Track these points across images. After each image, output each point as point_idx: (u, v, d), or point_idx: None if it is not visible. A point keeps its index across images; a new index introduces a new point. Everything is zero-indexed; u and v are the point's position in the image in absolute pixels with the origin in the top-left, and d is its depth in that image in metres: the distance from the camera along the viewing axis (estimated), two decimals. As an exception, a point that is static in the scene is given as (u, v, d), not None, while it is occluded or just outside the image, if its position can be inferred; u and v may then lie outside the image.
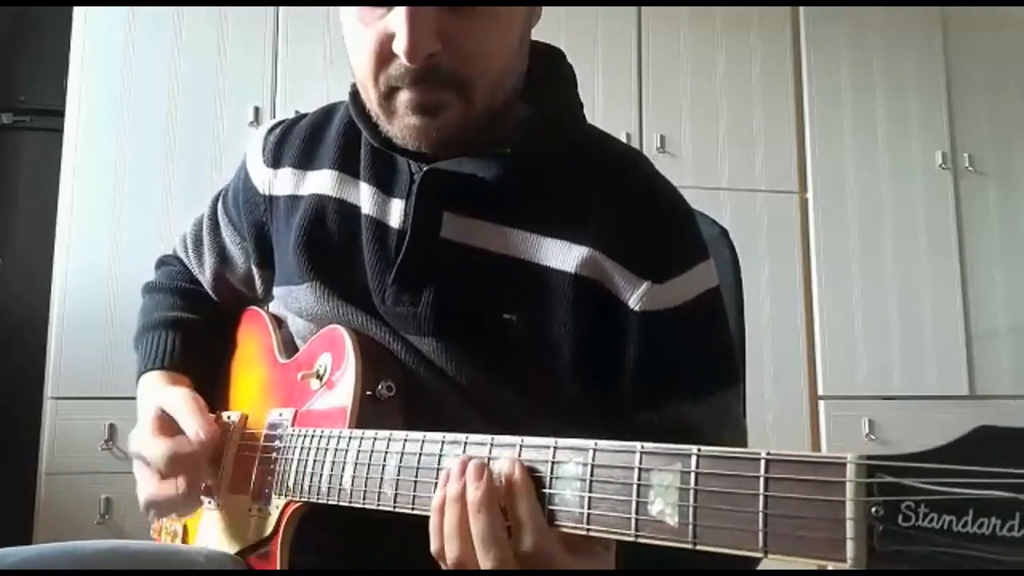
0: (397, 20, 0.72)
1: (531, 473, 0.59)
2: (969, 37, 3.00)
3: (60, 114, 2.44)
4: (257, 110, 2.50)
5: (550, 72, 0.89)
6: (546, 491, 0.59)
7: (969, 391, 2.81)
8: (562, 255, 0.80)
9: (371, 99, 0.80)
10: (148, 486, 0.89)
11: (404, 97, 0.77)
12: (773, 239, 2.76)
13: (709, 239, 0.91)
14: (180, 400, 0.90)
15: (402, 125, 0.79)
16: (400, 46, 0.72)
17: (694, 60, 2.82)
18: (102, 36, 2.47)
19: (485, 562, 0.58)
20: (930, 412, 2.75)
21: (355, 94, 0.87)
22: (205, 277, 1.08)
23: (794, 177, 2.82)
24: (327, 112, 0.97)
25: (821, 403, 2.71)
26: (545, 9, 0.86)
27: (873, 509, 0.41)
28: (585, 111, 0.92)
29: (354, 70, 0.81)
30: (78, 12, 2.46)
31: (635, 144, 2.64)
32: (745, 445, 0.87)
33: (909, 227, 2.85)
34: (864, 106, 2.89)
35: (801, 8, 2.90)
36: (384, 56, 0.75)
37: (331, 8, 2.57)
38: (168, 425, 0.89)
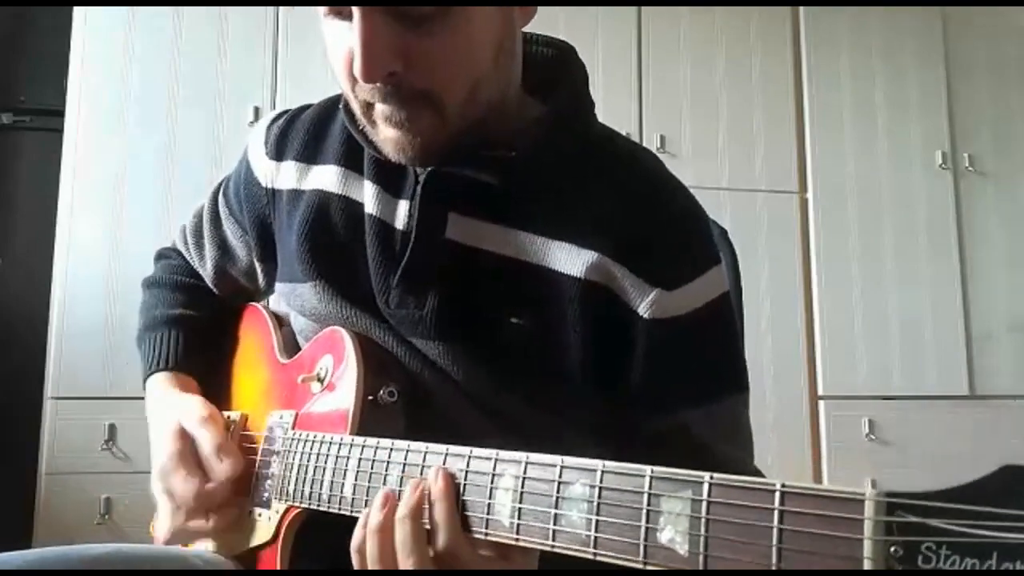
0: (354, 40, 0.71)
1: (452, 480, 0.63)
2: (969, 38, 3.00)
3: (60, 114, 2.44)
4: (257, 110, 2.50)
5: (560, 71, 0.87)
6: (464, 498, 0.62)
7: (969, 391, 2.81)
8: (570, 259, 0.79)
9: (356, 112, 0.80)
10: (171, 522, 0.87)
11: (379, 110, 0.76)
12: (773, 239, 2.76)
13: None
14: (199, 423, 0.88)
15: (382, 138, 0.78)
16: (356, 66, 0.71)
17: (694, 60, 2.81)
18: (102, 36, 2.46)
19: (406, 564, 0.62)
20: (930, 412, 2.75)
21: (347, 108, 0.85)
22: (206, 270, 1.07)
23: (794, 177, 2.82)
24: (332, 104, 0.95)
25: (821, 403, 2.71)
26: (545, 8, 0.85)
27: (892, 549, 0.39)
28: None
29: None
30: (78, 12, 2.46)
31: (635, 144, 2.64)
32: (750, 452, 0.87)
33: (909, 227, 2.85)
34: (864, 105, 2.89)
35: (801, 8, 2.90)
36: (352, 73, 0.73)
37: (331, 8, 2.57)
38: (192, 453, 0.88)
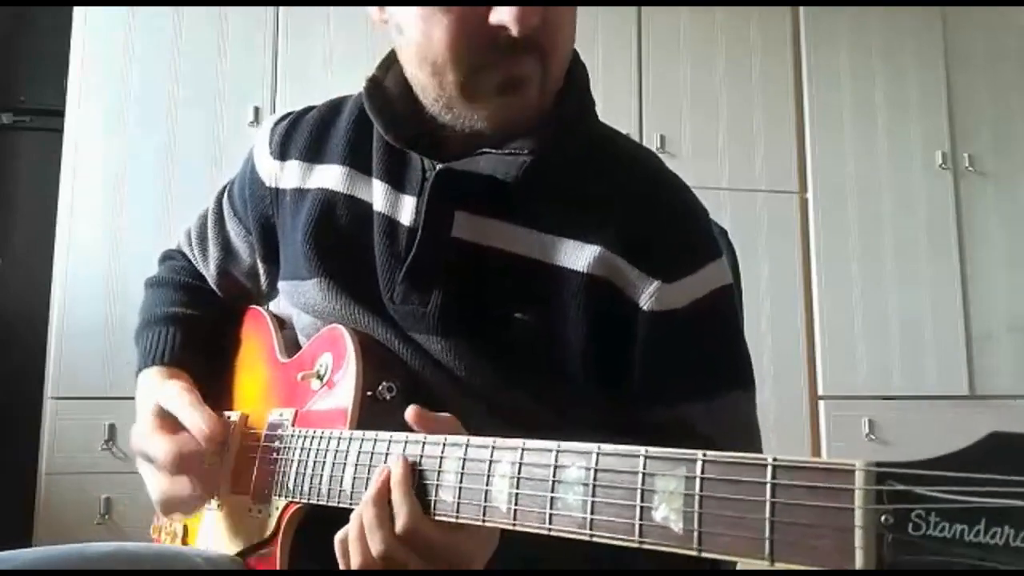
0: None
1: (414, 467, 0.66)
2: (969, 38, 3.01)
3: (60, 114, 2.44)
4: (257, 110, 2.50)
5: (568, 72, 0.87)
6: (427, 483, 0.65)
7: (969, 391, 2.81)
8: (574, 255, 0.80)
9: (447, 83, 0.78)
10: (156, 487, 0.88)
11: (493, 75, 0.76)
12: (773, 239, 2.76)
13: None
14: (176, 394, 0.89)
15: (488, 105, 0.78)
16: (510, 14, 0.71)
17: (694, 60, 2.82)
18: (102, 36, 2.47)
19: (372, 543, 0.66)
20: (930, 412, 2.75)
21: (371, 89, 0.86)
22: (209, 271, 1.07)
23: (794, 177, 2.82)
24: (335, 105, 0.96)
25: (821, 403, 2.71)
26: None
27: (883, 518, 0.40)
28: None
29: (425, 57, 0.77)
30: (78, 12, 2.46)
31: (635, 144, 2.64)
32: (758, 449, 0.87)
33: (909, 227, 2.85)
34: (864, 105, 2.89)
35: (801, 8, 2.90)
36: (473, 31, 0.73)
37: (331, 8, 2.58)
38: (169, 422, 0.88)
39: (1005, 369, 2.85)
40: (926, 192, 2.89)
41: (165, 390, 0.91)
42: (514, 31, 0.72)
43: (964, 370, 2.82)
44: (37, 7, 2.65)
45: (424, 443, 0.67)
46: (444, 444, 0.66)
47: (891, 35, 2.95)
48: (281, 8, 2.57)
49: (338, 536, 0.69)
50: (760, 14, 2.88)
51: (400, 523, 0.65)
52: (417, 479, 0.66)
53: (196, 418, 0.86)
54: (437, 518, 0.64)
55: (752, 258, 2.66)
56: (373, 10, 0.83)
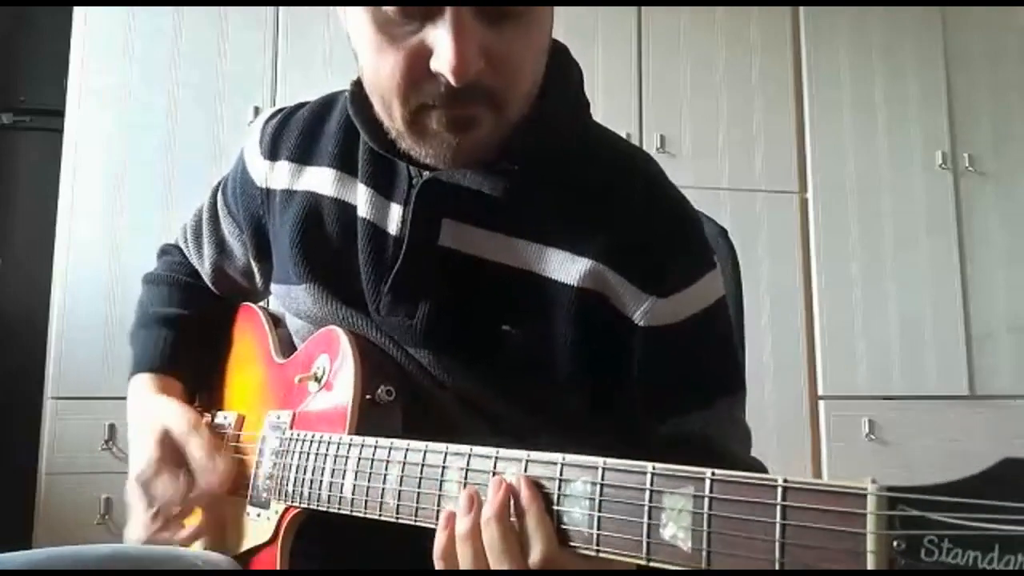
0: (439, 37, 0.67)
1: (539, 488, 0.58)
2: (969, 38, 3.00)
3: (60, 114, 2.44)
4: (257, 110, 2.50)
5: (558, 75, 0.84)
6: (555, 508, 0.57)
7: (969, 391, 2.81)
8: (565, 267, 0.78)
9: (395, 117, 0.75)
10: (144, 526, 0.87)
11: (437, 115, 0.72)
12: (773, 239, 2.76)
13: (708, 238, 0.88)
14: (190, 429, 0.87)
15: (434, 143, 0.75)
16: (446, 66, 0.67)
17: (694, 60, 2.81)
18: (102, 36, 2.46)
19: (498, 567, 0.58)
20: (930, 412, 2.75)
21: (355, 95, 0.83)
22: (204, 268, 1.07)
23: (794, 177, 2.81)
24: (327, 104, 0.94)
25: (821, 403, 2.71)
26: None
27: (895, 543, 0.40)
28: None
29: (375, 88, 0.75)
30: (78, 12, 2.46)
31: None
32: (747, 447, 0.87)
33: (909, 227, 2.85)
34: (864, 105, 2.89)
35: (801, 8, 2.90)
36: (417, 74, 0.70)
37: (331, 8, 2.57)
38: (174, 454, 0.87)
39: (1005, 369, 2.85)
40: (926, 192, 2.88)
41: (174, 417, 0.90)
42: (452, 82, 0.68)
43: (964, 370, 2.81)
44: (37, 7, 2.65)
45: (425, 452, 0.66)
46: (446, 453, 0.65)
47: (891, 35, 2.94)
48: (281, 8, 2.57)
49: (437, 553, 0.62)
50: (760, 14, 2.87)
51: (537, 552, 0.57)
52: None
53: (208, 465, 0.85)
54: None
55: (752, 258, 2.66)
56: (343, 24, 0.79)
